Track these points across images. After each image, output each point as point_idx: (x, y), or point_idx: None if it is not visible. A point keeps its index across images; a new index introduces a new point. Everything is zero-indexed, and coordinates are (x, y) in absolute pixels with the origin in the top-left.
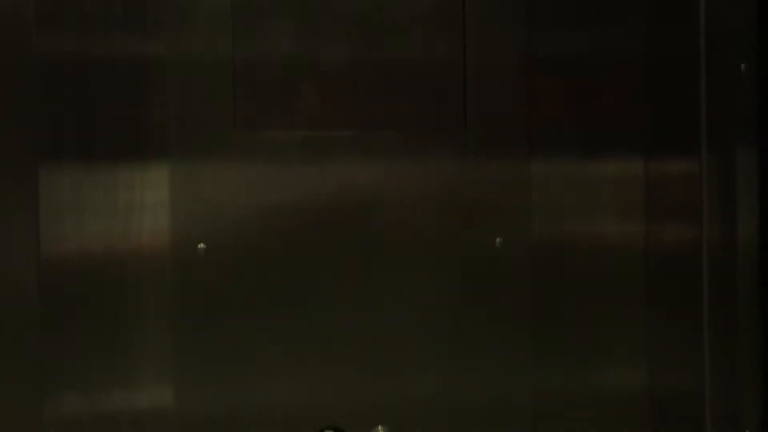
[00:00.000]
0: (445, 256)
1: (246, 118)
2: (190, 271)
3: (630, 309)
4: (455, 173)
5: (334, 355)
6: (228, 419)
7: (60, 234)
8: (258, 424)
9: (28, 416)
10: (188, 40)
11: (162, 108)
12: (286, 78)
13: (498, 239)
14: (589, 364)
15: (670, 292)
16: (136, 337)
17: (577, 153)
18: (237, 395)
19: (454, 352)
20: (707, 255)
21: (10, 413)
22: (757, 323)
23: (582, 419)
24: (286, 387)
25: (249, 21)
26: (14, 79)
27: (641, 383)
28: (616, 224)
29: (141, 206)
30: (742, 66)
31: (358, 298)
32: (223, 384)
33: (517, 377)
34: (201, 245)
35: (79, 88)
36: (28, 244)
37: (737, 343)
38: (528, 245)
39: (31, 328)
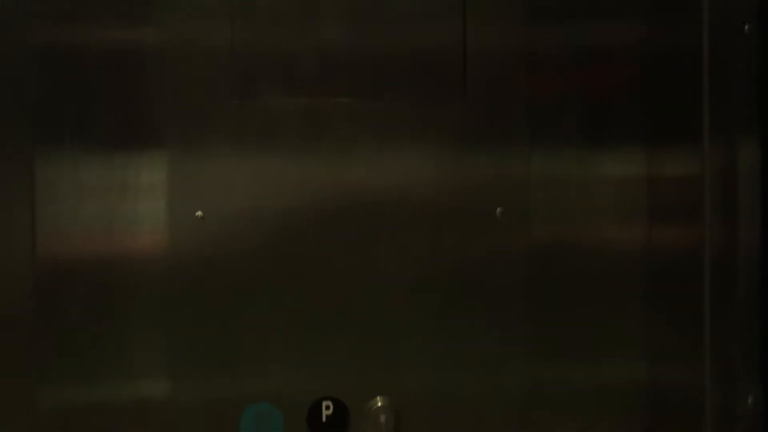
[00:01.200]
0: (444, 228)
1: (245, 88)
2: (188, 240)
3: (630, 300)
4: (454, 143)
5: (329, 331)
6: (222, 397)
7: (56, 218)
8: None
9: (21, 408)
10: (185, 20)
11: (160, 86)
12: (285, 50)
13: (498, 209)
14: (587, 351)
15: (672, 286)
16: (133, 315)
17: (577, 141)
18: (231, 372)
19: (451, 332)
20: (709, 240)
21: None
22: (757, 318)
23: (579, 406)
24: (281, 364)
25: None
26: (10, 66)
27: (640, 375)
28: (617, 217)
29: (138, 182)
30: (746, 26)
31: (355, 269)
32: (216, 358)
33: (514, 360)
34: (199, 213)
35: (75, 71)
36: (24, 229)
37: (737, 338)
38: (527, 217)
39: (26, 311)
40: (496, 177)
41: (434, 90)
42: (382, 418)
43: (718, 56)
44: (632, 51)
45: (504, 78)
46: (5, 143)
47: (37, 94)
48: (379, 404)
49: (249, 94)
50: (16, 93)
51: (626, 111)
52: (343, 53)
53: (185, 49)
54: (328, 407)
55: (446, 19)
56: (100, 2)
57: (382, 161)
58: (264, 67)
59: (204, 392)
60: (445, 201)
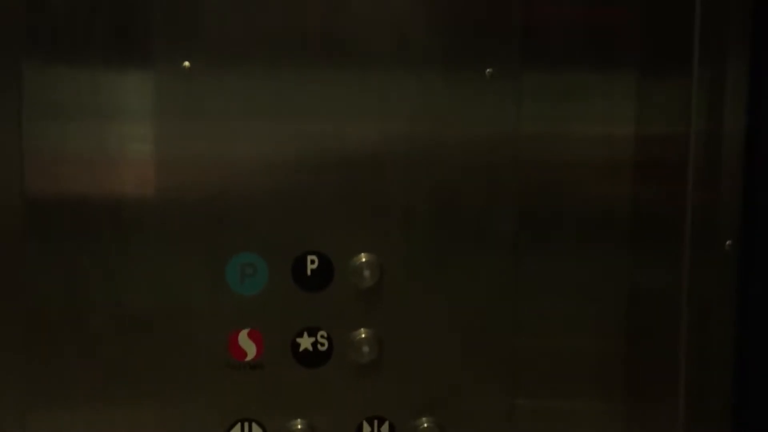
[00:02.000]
0: (434, 82)
1: None
2: (174, 94)
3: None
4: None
5: (318, 187)
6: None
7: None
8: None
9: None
10: None
11: None
12: None
13: (488, 70)
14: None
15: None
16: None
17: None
18: (219, 225)
19: (442, 206)
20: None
21: None
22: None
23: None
24: (268, 218)
25: None
26: None
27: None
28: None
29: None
30: None
31: (345, 122)
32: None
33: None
34: (186, 63)
35: None
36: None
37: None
38: (517, 78)
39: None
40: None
41: None
42: (366, 272)
43: None
44: None
45: None
46: None
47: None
48: (363, 260)
49: None
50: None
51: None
52: None
53: None
54: (313, 261)
55: None
56: None
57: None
58: None
59: (193, 240)
60: (436, 57)
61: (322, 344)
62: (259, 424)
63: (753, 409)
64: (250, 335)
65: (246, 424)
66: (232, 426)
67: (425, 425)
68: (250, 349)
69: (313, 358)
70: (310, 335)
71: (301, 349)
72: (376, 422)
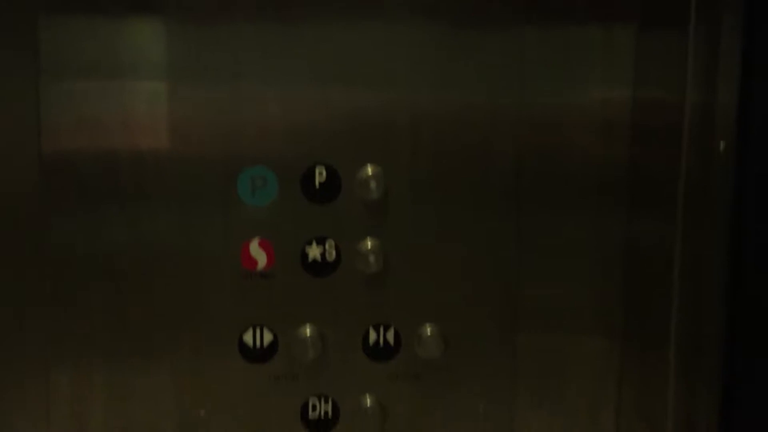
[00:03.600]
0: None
1: None
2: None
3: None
4: None
5: (326, 100)
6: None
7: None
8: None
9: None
10: None
11: None
12: None
13: None
14: None
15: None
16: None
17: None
18: (228, 138)
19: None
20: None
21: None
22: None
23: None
24: (277, 130)
25: None
26: None
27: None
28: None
29: None
30: None
31: (350, 43)
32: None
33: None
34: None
35: None
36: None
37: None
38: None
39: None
40: None
41: None
42: (372, 184)
43: None
44: None
45: None
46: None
47: None
48: (370, 172)
49: None
50: None
51: None
52: None
53: None
54: (321, 173)
55: None
56: None
57: None
58: None
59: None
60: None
61: (330, 254)
62: (270, 330)
63: (742, 365)
64: (261, 245)
65: (258, 330)
66: (245, 331)
67: (429, 332)
68: (261, 259)
69: (321, 268)
70: (318, 245)
71: (310, 258)
72: (382, 329)
